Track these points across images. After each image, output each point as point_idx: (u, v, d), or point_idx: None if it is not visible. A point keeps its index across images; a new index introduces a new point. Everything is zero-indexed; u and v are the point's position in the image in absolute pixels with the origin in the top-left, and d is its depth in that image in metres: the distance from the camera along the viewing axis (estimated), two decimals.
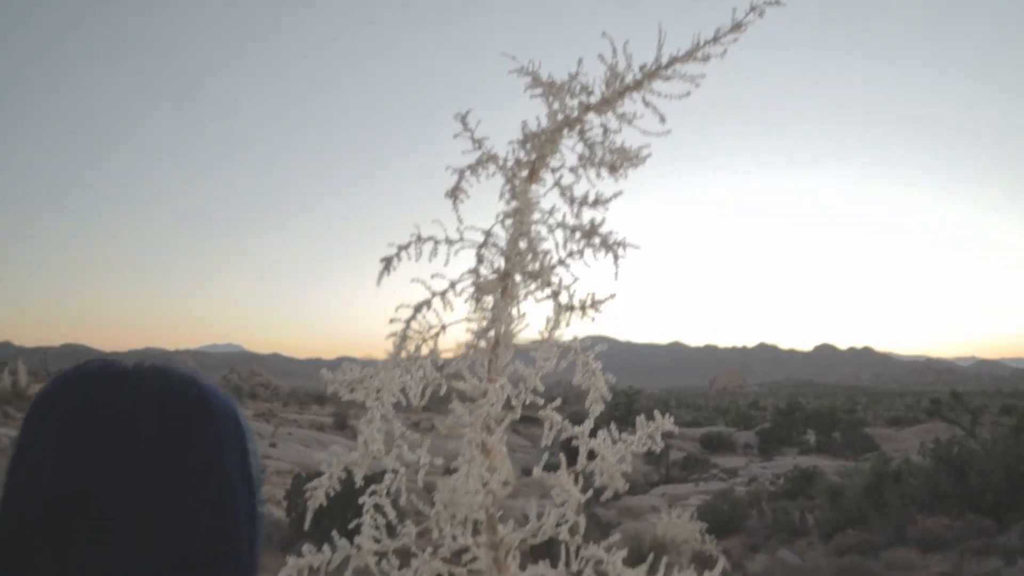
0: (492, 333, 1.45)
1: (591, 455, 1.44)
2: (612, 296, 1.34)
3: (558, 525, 1.54)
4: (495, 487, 1.48)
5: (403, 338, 1.38)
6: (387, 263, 1.41)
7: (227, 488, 0.91)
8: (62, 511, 0.82)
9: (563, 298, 1.37)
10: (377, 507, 1.50)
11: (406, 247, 1.40)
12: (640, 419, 1.52)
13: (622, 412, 72.36)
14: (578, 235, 1.37)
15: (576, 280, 1.39)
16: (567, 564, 1.53)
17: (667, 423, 1.47)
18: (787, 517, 24.53)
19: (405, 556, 1.53)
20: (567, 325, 1.35)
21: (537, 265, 1.35)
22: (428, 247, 1.41)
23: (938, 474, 18.73)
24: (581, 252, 1.42)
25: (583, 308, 1.35)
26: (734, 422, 75.53)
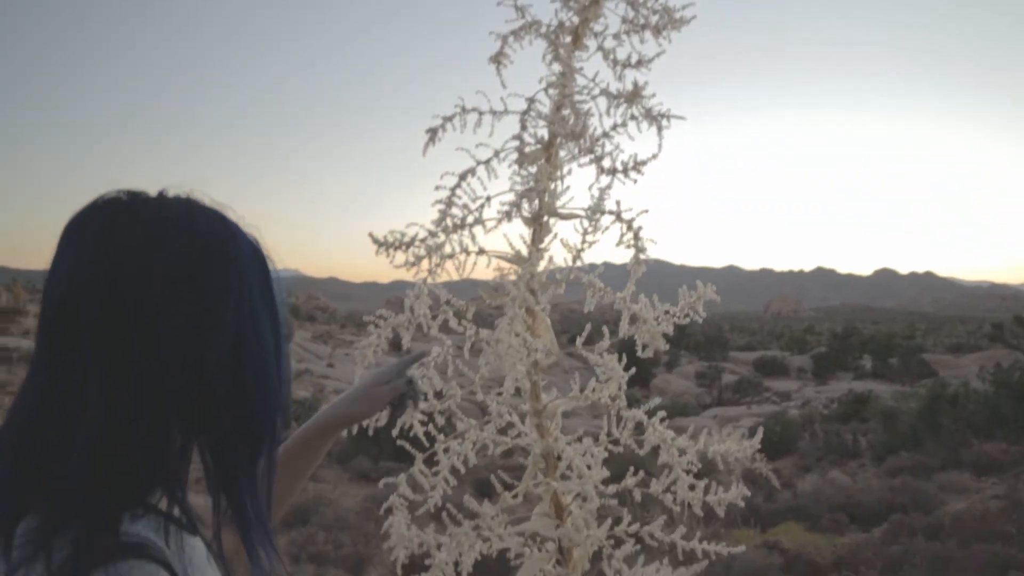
0: (536, 203, 1.47)
1: (632, 320, 1.46)
2: (654, 157, 1.34)
3: (600, 395, 1.57)
4: (539, 355, 1.52)
5: (448, 204, 1.40)
6: (432, 134, 1.43)
7: (249, 303, 0.96)
8: (97, 326, 0.89)
9: (606, 162, 1.37)
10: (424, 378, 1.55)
11: (451, 118, 1.41)
12: (682, 289, 1.53)
13: (676, 336, 72.29)
14: (621, 102, 1.37)
15: (618, 148, 1.39)
16: (608, 432, 1.57)
17: (709, 292, 1.48)
18: (839, 440, 24.51)
19: (452, 427, 1.59)
20: (610, 189, 1.35)
21: (580, 130, 1.36)
22: (472, 118, 1.42)
23: (997, 398, 18.46)
24: (625, 123, 1.41)
25: (625, 170, 1.35)
26: (788, 346, 75.02)
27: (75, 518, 0.85)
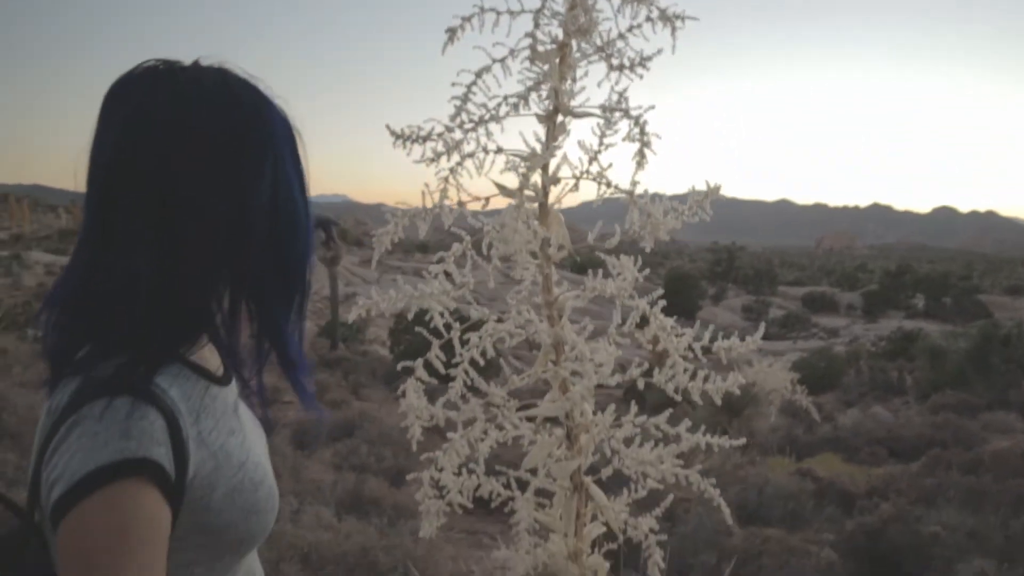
0: (548, 101, 1.52)
1: (642, 215, 1.52)
2: (659, 52, 1.38)
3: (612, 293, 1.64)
4: (551, 250, 1.59)
5: (464, 100, 1.46)
6: (451, 33, 1.48)
7: (282, 163, 1.05)
8: (145, 185, 0.98)
9: (615, 60, 1.42)
10: (446, 273, 1.63)
11: (469, 19, 1.46)
12: (692, 187, 1.58)
13: (724, 268, 71.50)
14: (634, 2, 1.40)
15: (628, 46, 1.43)
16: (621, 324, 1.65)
17: (716, 191, 1.52)
18: (885, 376, 24.35)
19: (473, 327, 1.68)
20: (619, 87, 1.40)
21: (590, 26, 1.40)
22: (490, 17, 1.46)
23: None
24: (640, 24, 1.45)
25: (632, 66, 1.39)
26: (839, 283, 74.02)
27: (116, 354, 0.96)
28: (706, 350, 1.61)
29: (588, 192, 1.62)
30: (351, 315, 1.57)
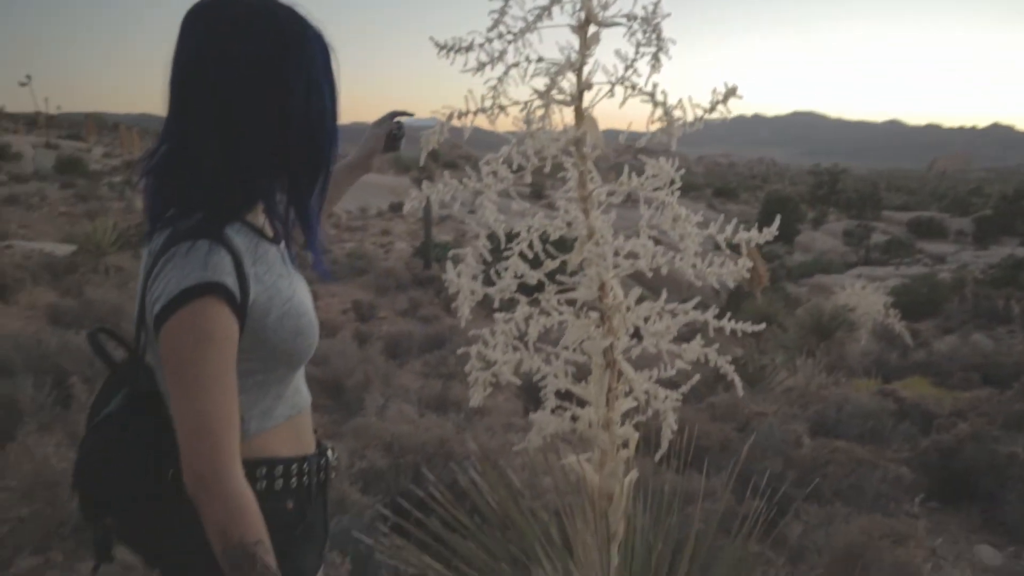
0: (581, 12, 1.66)
1: (660, 111, 1.65)
2: None
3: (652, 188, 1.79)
4: (586, 148, 1.75)
5: (502, 12, 1.62)
6: None
7: (315, 70, 1.33)
8: (215, 83, 1.28)
9: None
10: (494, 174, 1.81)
11: None
12: (713, 88, 1.69)
13: (825, 192, 69.02)
14: None
15: None
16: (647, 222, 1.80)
17: (736, 93, 1.63)
18: (990, 304, 23.43)
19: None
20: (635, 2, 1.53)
21: None
22: None
23: None
24: None
25: None
26: (950, 208, 70.65)
27: (194, 214, 1.29)
28: (729, 243, 1.74)
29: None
30: (405, 206, 1.78)
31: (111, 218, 20.04)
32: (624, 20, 1.65)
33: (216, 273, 1.21)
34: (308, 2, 1.35)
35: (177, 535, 1.30)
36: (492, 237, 1.87)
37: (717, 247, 1.84)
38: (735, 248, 1.87)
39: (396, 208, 30.03)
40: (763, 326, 1.89)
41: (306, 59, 1.32)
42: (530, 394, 6.00)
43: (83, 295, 9.26)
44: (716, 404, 7.01)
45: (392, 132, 1.91)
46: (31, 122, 55.38)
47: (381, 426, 4.10)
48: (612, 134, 1.95)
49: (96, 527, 1.38)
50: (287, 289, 1.36)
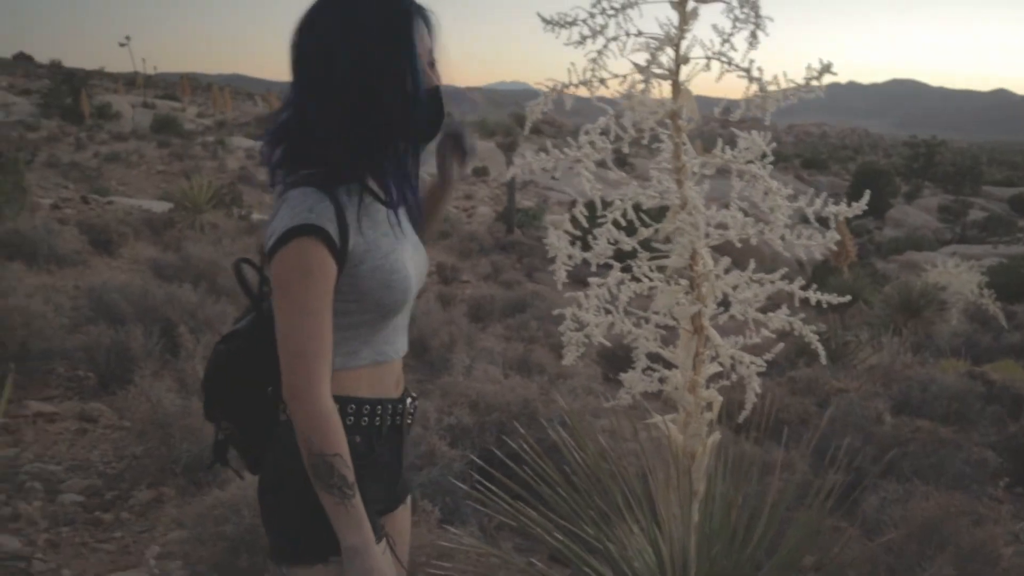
0: None
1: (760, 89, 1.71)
2: None
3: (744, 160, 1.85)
4: (682, 121, 1.82)
5: None
6: None
7: (411, 53, 1.47)
8: (330, 68, 1.44)
9: None
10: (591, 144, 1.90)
11: None
12: (808, 65, 1.74)
13: (921, 165, 66.30)
14: None
15: None
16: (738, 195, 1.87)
17: (828, 76, 1.68)
18: None
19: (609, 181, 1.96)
20: None
21: None
22: None
23: None
24: None
25: None
26: None
27: (312, 168, 1.46)
28: (817, 216, 1.80)
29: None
30: (507, 174, 1.88)
31: (204, 176, 20.79)
32: None
33: (318, 218, 1.38)
34: None
35: (275, 445, 1.51)
36: (587, 204, 1.96)
37: (805, 220, 1.89)
38: (824, 221, 1.92)
39: (479, 172, 30.26)
40: (848, 299, 1.94)
41: (405, 39, 1.45)
42: (610, 361, 6.08)
43: (181, 250, 9.70)
44: (797, 378, 6.97)
45: (452, 137, 1.77)
46: (130, 82, 57.41)
47: (467, 385, 4.26)
48: (705, 103, 2.01)
49: (216, 429, 1.63)
50: (386, 246, 1.50)
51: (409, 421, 1.66)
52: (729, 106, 1.79)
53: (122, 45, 57.45)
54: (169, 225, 13.45)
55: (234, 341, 1.59)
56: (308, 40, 1.47)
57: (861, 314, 14.11)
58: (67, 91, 37.56)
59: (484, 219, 24.15)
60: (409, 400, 1.65)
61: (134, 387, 3.90)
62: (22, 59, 71.46)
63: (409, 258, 1.56)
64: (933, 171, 64.18)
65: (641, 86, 1.69)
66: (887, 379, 8.22)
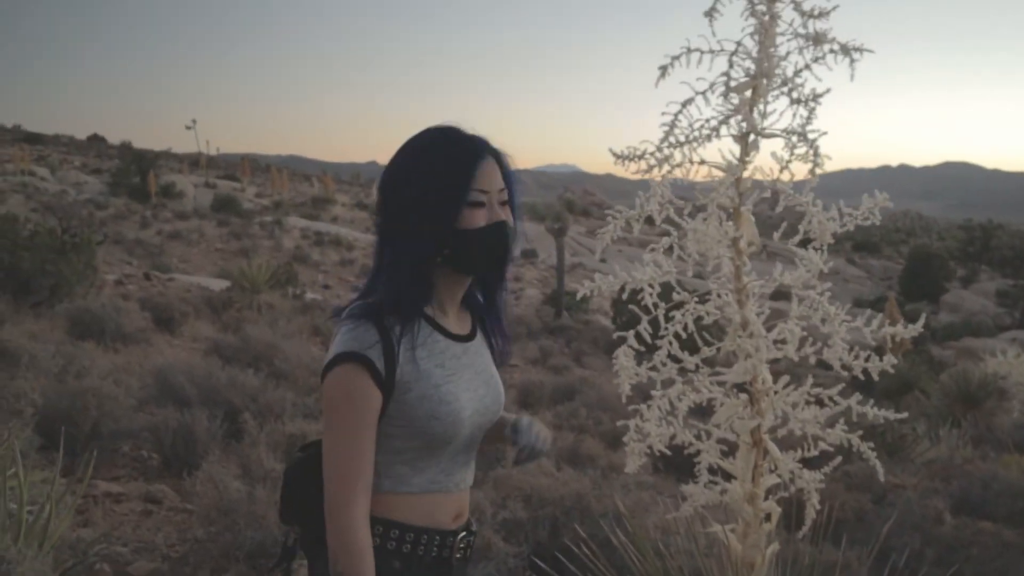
0: (743, 124, 1.85)
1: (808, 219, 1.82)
2: (828, 91, 1.67)
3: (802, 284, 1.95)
4: (742, 244, 1.93)
5: (672, 126, 1.83)
6: (663, 70, 1.84)
7: (465, 192, 1.58)
8: (393, 203, 1.59)
9: (794, 94, 1.72)
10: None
11: (677, 57, 1.82)
12: (865, 196, 1.85)
13: (977, 248, 65.18)
14: (810, 44, 1.70)
15: (806, 82, 1.73)
16: (797, 315, 1.95)
17: (883, 199, 1.78)
18: None
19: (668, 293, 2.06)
20: (794, 117, 1.71)
21: (771, 69, 1.71)
22: (694, 56, 1.81)
23: None
24: (818, 59, 1.74)
25: (806, 101, 1.69)
26: None
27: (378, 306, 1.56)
28: (877, 346, 1.87)
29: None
30: (578, 295, 2.00)
31: (261, 255, 21.36)
32: (781, 132, 1.84)
33: (361, 346, 1.49)
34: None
35: (322, 553, 1.54)
36: (653, 320, 2.06)
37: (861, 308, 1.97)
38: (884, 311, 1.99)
39: (528, 255, 30.65)
40: (905, 415, 1.99)
41: (463, 181, 1.56)
42: (662, 455, 6.05)
43: (240, 330, 9.98)
44: (852, 473, 6.85)
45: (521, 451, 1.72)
46: (194, 162, 59.69)
47: (521, 478, 4.31)
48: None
49: (287, 533, 1.71)
50: (440, 378, 1.57)
51: (459, 555, 1.65)
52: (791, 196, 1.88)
53: (188, 128, 59.95)
54: (227, 304, 13.83)
55: (310, 452, 1.67)
56: (384, 183, 1.62)
57: (918, 404, 13.82)
58: (135, 171, 39.25)
59: (532, 302, 24.34)
60: (463, 534, 1.65)
61: (200, 472, 4.03)
62: (95, 140, 74.89)
63: (467, 390, 1.62)
64: (990, 255, 63.02)
65: (704, 217, 1.81)
66: (946, 474, 8.02)
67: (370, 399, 1.49)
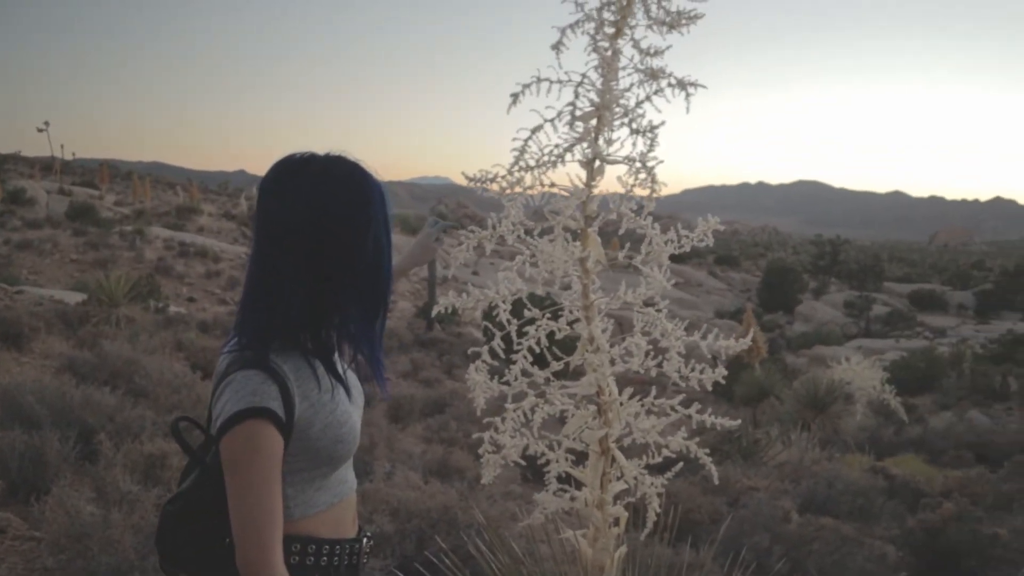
0: (589, 150, 1.96)
1: (648, 242, 1.95)
2: (663, 123, 1.81)
3: (644, 301, 2.08)
4: (589, 263, 2.04)
5: (521, 152, 1.92)
6: (514, 97, 1.93)
7: (381, 223, 1.61)
8: (307, 236, 1.54)
9: (634, 125, 1.84)
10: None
11: (528, 86, 1.91)
12: (700, 219, 1.99)
13: (827, 262, 69.44)
14: (647, 78, 1.83)
15: (645, 114, 1.86)
16: (644, 332, 2.08)
17: (714, 223, 1.93)
18: (987, 380, 23.58)
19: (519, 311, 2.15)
20: (634, 147, 1.83)
21: (611, 101, 1.83)
22: (544, 86, 1.91)
23: None
24: (657, 92, 1.88)
25: (644, 132, 1.82)
26: (951, 281, 71.10)
27: (247, 344, 1.55)
28: (714, 356, 2.01)
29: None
30: (432, 313, 2.06)
31: (121, 267, 20.35)
32: (624, 160, 1.96)
33: (263, 399, 1.48)
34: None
35: None
36: (506, 337, 2.14)
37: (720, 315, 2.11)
38: (737, 317, 2.14)
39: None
40: (738, 423, 2.15)
41: (373, 211, 1.59)
42: (528, 464, 6.19)
43: (97, 346, 9.50)
44: (709, 477, 7.20)
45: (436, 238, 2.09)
46: (47, 167, 56.29)
47: (388, 492, 4.33)
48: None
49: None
50: (331, 402, 1.61)
51: (365, 560, 1.75)
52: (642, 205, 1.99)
53: (40, 130, 56.53)
54: (83, 319, 13.12)
55: (179, 502, 1.66)
56: (273, 203, 1.57)
57: (772, 409, 14.61)
58: None
59: (404, 314, 24.19)
60: (365, 540, 1.75)
61: (50, 496, 3.84)
62: None
63: (348, 399, 1.68)
64: (838, 268, 67.31)
65: (550, 234, 1.91)
66: (796, 475, 8.54)
67: (276, 451, 1.49)
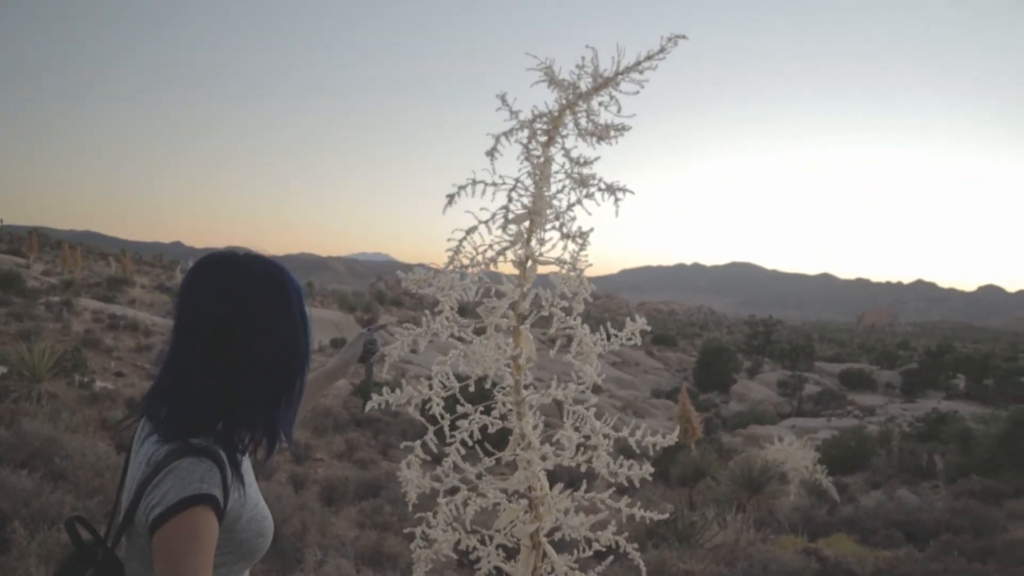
0: (522, 251, 2.03)
1: (578, 342, 2.01)
2: (591, 230, 1.89)
3: (575, 399, 2.12)
4: (521, 360, 2.08)
5: (456, 251, 1.98)
6: (450, 198, 1.99)
7: (297, 318, 1.66)
8: (221, 329, 1.57)
9: (564, 229, 1.92)
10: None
11: (464, 187, 1.99)
12: (628, 320, 2.06)
13: (760, 342, 70.85)
14: (577, 184, 1.92)
15: (575, 218, 1.94)
16: (576, 428, 2.12)
17: (641, 324, 2.00)
18: (914, 459, 24.12)
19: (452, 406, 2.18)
20: (565, 250, 1.91)
21: (557, 201, 1.92)
22: (479, 188, 1.99)
23: None
24: (587, 196, 1.96)
25: (574, 237, 1.90)
26: (878, 360, 73.12)
27: (175, 435, 1.55)
28: (639, 448, 2.06)
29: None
30: (366, 408, 2.07)
31: (45, 339, 19.67)
32: (555, 261, 2.03)
33: (209, 486, 1.48)
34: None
35: None
36: (437, 430, 2.16)
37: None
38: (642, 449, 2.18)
39: (338, 344, 30.11)
40: (668, 515, 2.18)
41: (289, 307, 1.64)
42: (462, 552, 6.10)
43: (15, 424, 9.12)
44: (645, 561, 7.18)
45: (367, 347, 2.38)
46: None
47: None
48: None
49: None
50: (254, 495, 1.64)
51: None
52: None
53: None
54: (3, 394, 12.62)
55: None
56: (190, 298, 1.61)
57: (709, 490, 14.69)
58: None
59: (341, 393, 23.81)
60: None
61: None
62: None
63: (260, 491, 1.71)
64: (771, 348, 68.80)
65: (483, 333, 1.95)
66: (731, 558, 8.57)
67: (214, 539, 1.47)
